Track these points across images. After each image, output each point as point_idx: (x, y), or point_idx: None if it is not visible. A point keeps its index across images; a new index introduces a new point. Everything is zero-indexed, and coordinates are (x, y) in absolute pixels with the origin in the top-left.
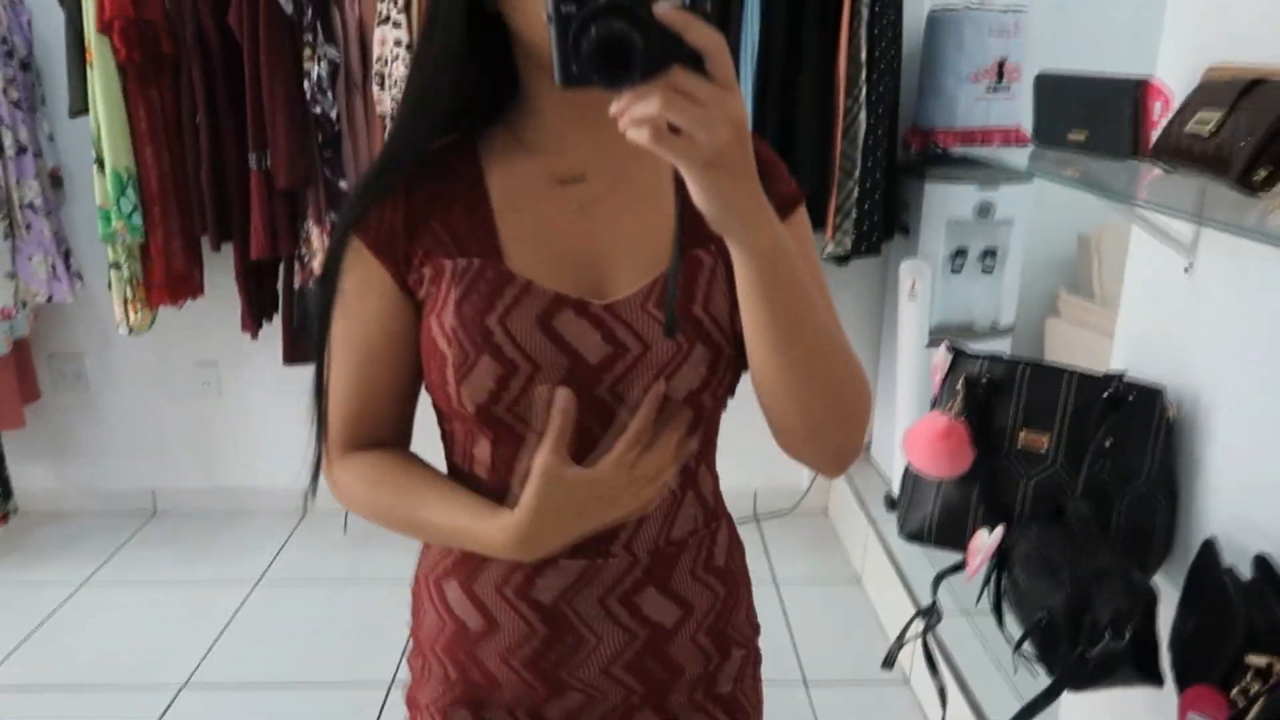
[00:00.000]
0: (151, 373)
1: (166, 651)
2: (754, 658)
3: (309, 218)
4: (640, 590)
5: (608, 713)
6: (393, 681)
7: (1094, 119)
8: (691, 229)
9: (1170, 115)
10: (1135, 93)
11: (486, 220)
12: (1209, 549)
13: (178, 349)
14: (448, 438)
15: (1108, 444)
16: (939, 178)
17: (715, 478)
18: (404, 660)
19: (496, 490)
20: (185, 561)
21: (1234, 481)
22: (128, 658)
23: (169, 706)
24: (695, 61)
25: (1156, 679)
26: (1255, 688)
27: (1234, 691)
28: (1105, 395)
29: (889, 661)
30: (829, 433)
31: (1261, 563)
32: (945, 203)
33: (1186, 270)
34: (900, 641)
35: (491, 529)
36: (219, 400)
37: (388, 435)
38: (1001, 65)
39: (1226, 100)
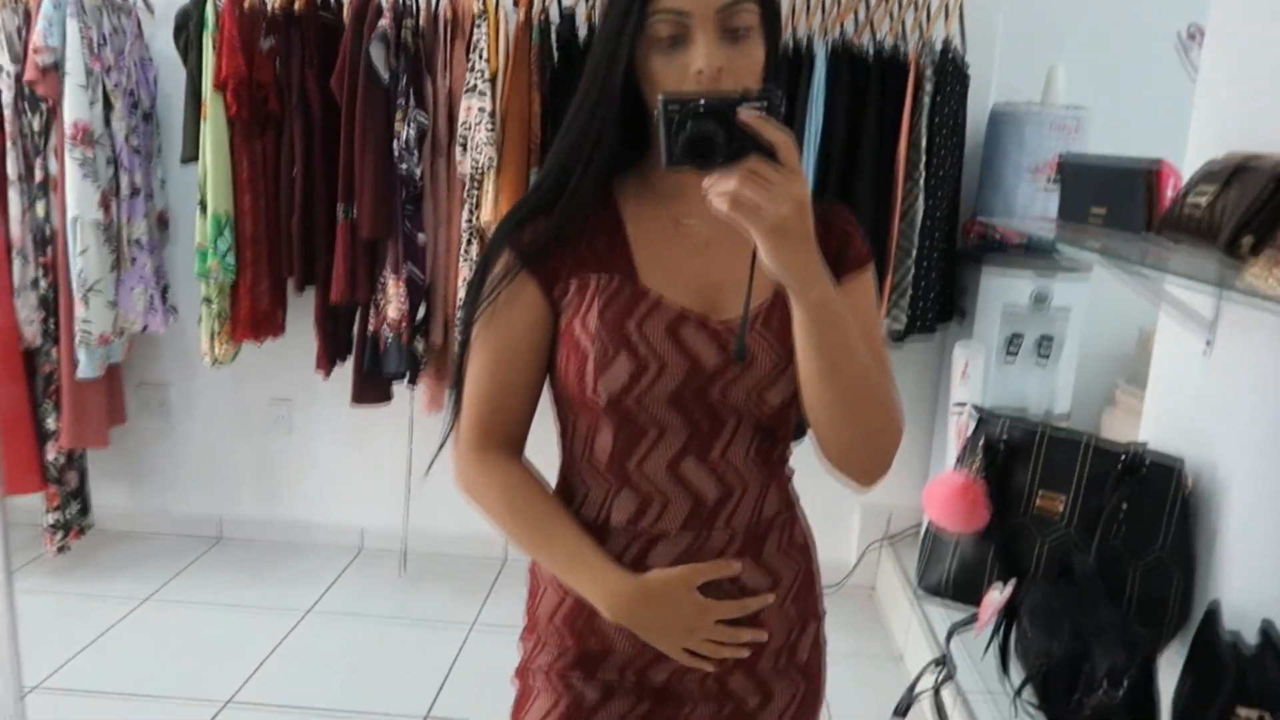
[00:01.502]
0: (228, 406)
1: (216, 669)
2: (822, 632)
3: (387, 267)
4: (739, 561)
5: (705, 675)
6: (427, 715)
7: (1112, 197)
8: None
9: (1178, 194)
10: (1149, 173)
11: (624, 248)
12: (1211, 614)
13: (254, 385)
14: (570, 431)
15: (1123, 509)
16: (996, 264)
17: (789, 474)
18: (438, 696)
19: (612, 477)
20: (243, 586)
21: (1246, 554)
22: (180, 671)
23: None
24: (769, 152)
25: None
26: None
27: None
28: (1121, 462)
29: (901, 710)
30: (859, 455)
31: (1267, 629)
32: (1001, 290)
33: (1207, 346)
34: (912, 690)
35: (598, 587)
36: (288, 436)
37: (516, 431)
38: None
39: (1221, 178)
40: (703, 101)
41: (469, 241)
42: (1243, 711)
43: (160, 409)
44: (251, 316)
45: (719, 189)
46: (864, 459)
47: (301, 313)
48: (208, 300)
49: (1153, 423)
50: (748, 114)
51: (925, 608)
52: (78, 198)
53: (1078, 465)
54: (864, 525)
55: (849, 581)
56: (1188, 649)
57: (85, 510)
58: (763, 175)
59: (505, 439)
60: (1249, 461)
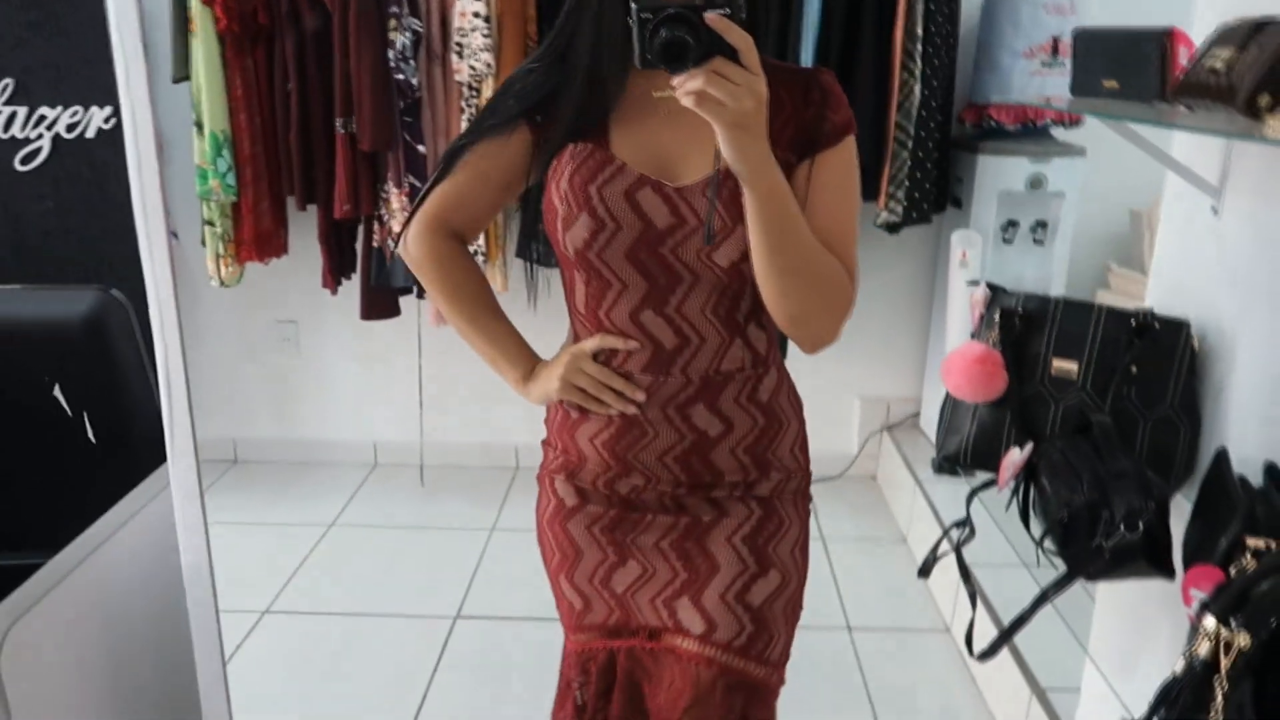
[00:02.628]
0: (235, 327)
1: (249, 583)
2: (797, 486)
3: (389, 180)
4: (692, 404)
5: (662, 493)
6: (458, 614)
7: (1125, 67)
8: None
9: (1193, 59)
10: (1161, 40)
11: (603, 117)
12: (1221, 457)
13: (260, 307)
14: (566, 282)
15: (1133, 370)
16: (992, 151)
17: (770, 336)
18: (467, 595)
19: (588, 322)
20: (264, 505)
21: (1249, 406)
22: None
23: (252, 630)
24: (733, 53)
25: (1169, 572)
26: (1252, 564)
27: (1232, 568)
28: (1132, 325)
29: (924, 571)
30: (806, 323)
31: (1271, 468)
32: (998, 175)
33: (1214, 211)
34: (934, 552)
35: (514, 372)
36: (297, 356)
37: (466, 232)
38: (1056, 42)
39: (1239, 39)
40: (672, 8)
41: None
42: (1251, 541)
43: None
44: (255, 237)
45: (687, 87)
46: (805, 331)
47: (304, 231)
48: (210, 222)
49: (1159, 287)
50: (713, 18)
51: (928, 490)
52: None
53: (1090, 331)
54: (864, 416)
55: (851, 471)
56: (1197, 493)
57: None
58: (726, 75)
59: (455, 232)
60: (1253, 319)
